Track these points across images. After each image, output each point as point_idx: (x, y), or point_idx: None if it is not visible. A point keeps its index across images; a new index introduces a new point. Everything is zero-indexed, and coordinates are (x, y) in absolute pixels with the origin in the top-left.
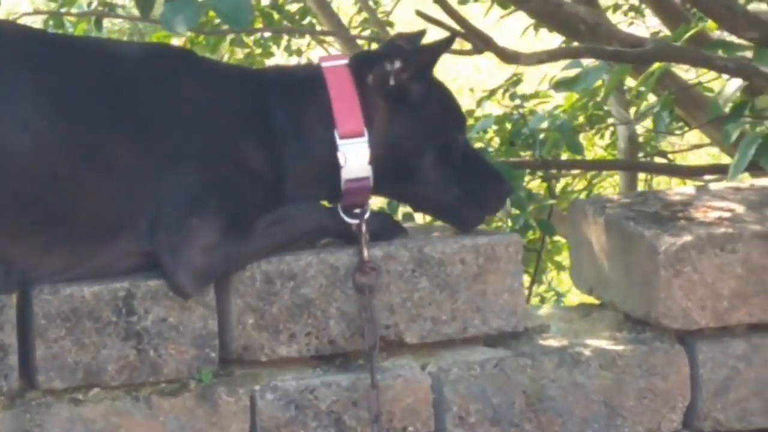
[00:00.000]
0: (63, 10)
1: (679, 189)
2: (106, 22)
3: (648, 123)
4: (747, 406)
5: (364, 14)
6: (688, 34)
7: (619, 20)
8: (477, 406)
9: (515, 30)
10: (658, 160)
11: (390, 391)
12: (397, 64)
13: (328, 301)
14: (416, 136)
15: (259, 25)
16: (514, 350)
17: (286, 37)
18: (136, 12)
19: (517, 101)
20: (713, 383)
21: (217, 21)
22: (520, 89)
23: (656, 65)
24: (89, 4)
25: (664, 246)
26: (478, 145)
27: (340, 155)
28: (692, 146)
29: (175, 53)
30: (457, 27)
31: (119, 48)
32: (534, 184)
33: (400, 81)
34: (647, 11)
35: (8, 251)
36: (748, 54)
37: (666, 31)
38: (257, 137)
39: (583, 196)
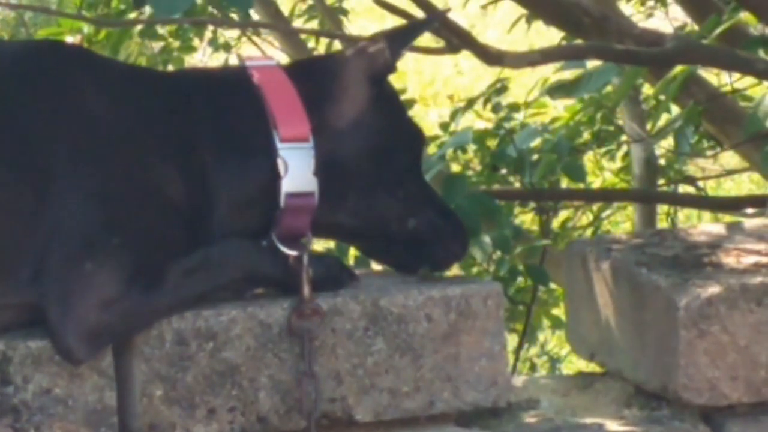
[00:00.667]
0: None
1: (705, 227)
2: None
3: (670, 142)
4: None
5: (310, 0)
6: (721, 28)
7: (633, 12)
8: None
9: (504, 23)
10: (683, 189)
11: None
12: (380, 44)
13: (257, 367)
14: (382, 143)
15: None
16: (495, 431)
17: (211, 29)
18: None
19: (502, 113)
20: None
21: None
22: (509, 98)
23: (679, 68)
24: None
25: (685, 299)
26: (453, 167)
27: (279, 162)
28: (727, 171)
29: (67, 52)
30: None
31: None
32: (526, 218)
33: (387, 62)
34: (670, 0)
35: None
36: None
37: (693, 26)
38: (173, 155)
39: (588, 234)
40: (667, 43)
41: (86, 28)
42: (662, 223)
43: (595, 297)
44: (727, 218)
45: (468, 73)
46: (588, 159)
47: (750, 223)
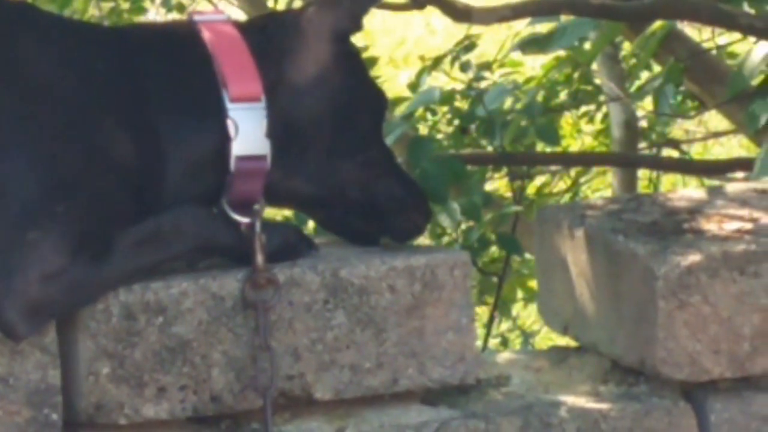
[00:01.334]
0: None
1: (685, 191)
2: None
3: (650, 102)
4: None
5: None
6: None
7: None
8: None
9: None
10: (666, 152)
11: None
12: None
13: (210, 343)
14: (342, 105)
15: None
16: (462, 410)
17: None
18: None
19: (472, 73)
20: None
21: None
22: (482, 57)
23: (658, 23)
24: None
25: (664, 268)
26: (421, 129)
27: (229, 123)
28: (713, 134)
29: (8, 6)
30: None
31: None
32: (499, 184)
33: (353, 19)
34: None
35: None
36: None
37: None
38: (120, 117)
39: (566, 201)
40: None
41: None
42: (644, 190)
43: (568, 266)
44: (710, 183)
45: (440, 33)
46: (565, 121)
47: (733, 187)
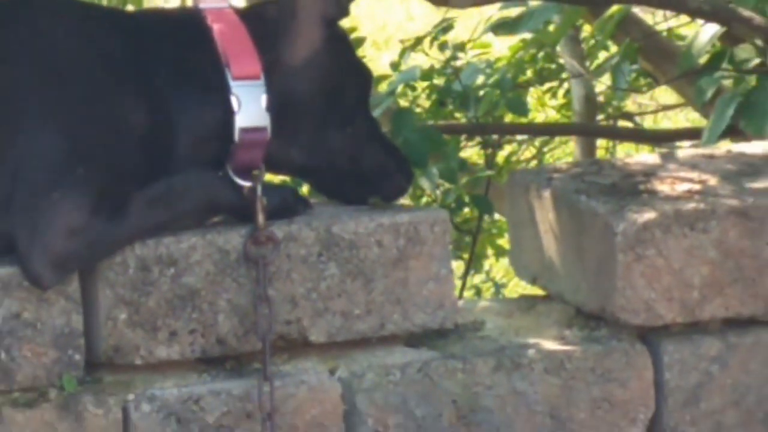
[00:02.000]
0: None
1: (640, 157)
2: None
3: (608, 79)
4: (722, 419)
5: None
6: None
7: None
8: (397, 418)
9: None
10: (622, 124)
11: (292, 401)
12: None
13: (216, 291)
14: (333, 81)
15: None
16: (442, 351)
17: None
18: None
19: (449, 51)
20: (682, 391)
21: None
22: (456, 39)
23: (615, 8)
24: None
25: (622, 225)
26: (402, 103)
27: (233, 99)
28: (663, 107)
29: None
30: None
31: None
32: (471, 152)
33: (341, 5)
34: None
35: None
36: None
37: None
38: (135, 88)
39: (532, 167)
40: None
41: None
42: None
43: (536, 224)
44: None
45: (419, 19)
46: (531, 96)
47: (683, 152)
